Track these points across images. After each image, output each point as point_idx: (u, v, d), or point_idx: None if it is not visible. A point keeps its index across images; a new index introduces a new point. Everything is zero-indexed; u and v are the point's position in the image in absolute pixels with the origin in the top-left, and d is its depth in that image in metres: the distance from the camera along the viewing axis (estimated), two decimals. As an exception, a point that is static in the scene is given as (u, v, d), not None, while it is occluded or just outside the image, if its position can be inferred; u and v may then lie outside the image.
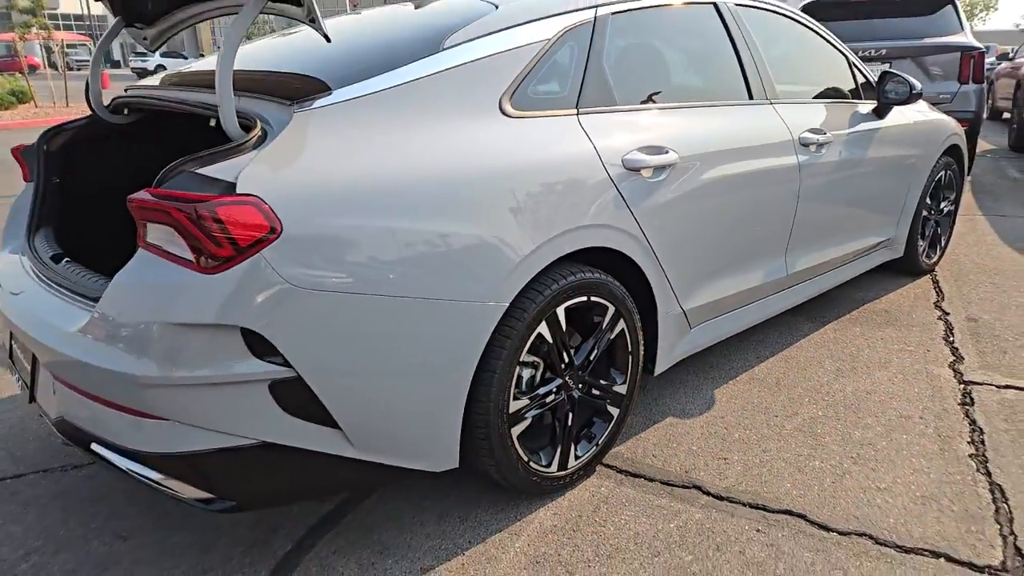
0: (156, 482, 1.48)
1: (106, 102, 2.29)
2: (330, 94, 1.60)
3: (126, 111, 2.27)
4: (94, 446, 1.56)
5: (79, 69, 35.57)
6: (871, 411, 2.44)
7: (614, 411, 2.11)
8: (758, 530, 1.85)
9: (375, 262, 1.51)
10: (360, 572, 1.74)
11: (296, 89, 1.64)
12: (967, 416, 2.39)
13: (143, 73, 35.41)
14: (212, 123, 1.79)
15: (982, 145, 8.73)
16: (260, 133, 1.51)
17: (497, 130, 1.76)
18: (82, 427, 1.56)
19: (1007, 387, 2.58)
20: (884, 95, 3.04)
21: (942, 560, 1.73)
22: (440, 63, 1.74)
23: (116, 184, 2.41)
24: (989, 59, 11.81)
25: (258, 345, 1.43)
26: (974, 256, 4.19)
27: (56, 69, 19.76)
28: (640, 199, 2.00)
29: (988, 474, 2.07)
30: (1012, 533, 1.82)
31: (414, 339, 1.58)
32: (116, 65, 51.82)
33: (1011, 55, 11.16)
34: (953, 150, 3.70)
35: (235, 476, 1.50)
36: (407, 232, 1.55)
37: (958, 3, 5.67)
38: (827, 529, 1.85)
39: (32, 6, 24.76)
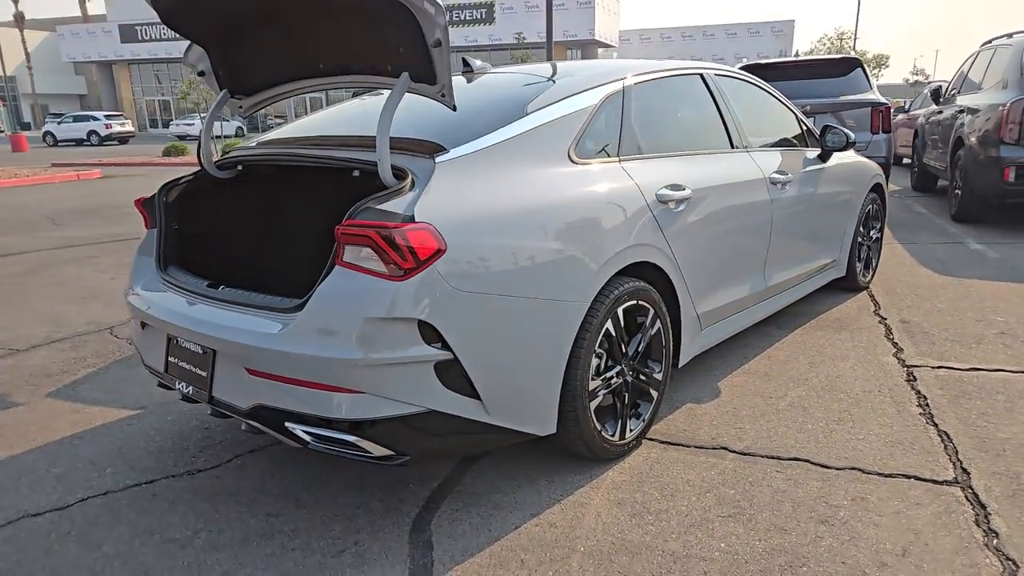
0: (351, 444, 1.95)
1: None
2: (447, 151, 2.16)
3: (239, 167, 2.76)
4: (288, 424, 2.02)
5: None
6: (842, 389, 3.11)
7: (654, 393, 2.69)
8: (777, 471, 2.45)
9: (503, 271, 2.06)
10: (483, 522, 2.23)
11: (423, 147, 2.20)
12: (913, 388, 3.09)
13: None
14: (355, 173, 2.33)
15: (889, 186, 9.98)
16: (411, 180, 2.05)
17: (569, 174, 2.37)
18: (280, 408, 2.01)
19: (939, 367, 3.31)
20: (826, 143, 3.84)
21: (913, 480, 2.36)
22: (527, 124, 2.34)
23: (222, 227, 2.88)
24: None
25: (428, 334, 1.95)
26: (899, 275, 5.05)
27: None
28: (668, 224, 2.64)
29: (935, 425, 2.74)
30: (959, 460, 2.48)
31: (531, 329, 2.14)
32: (27, 127, 50.28)
33: (906, 108, 12.76)
34: (877, 187, 4.57)
35: (410, 436, 1.99)
36: (521, 249, 2.12)
37: (866, 67, 6.78)
38: (826, 467, 2.47)
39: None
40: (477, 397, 2.06)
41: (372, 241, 1.89)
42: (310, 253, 3.07)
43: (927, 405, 2.92)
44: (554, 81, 2.59)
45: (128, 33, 43.98)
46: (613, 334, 2.44)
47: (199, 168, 2.84)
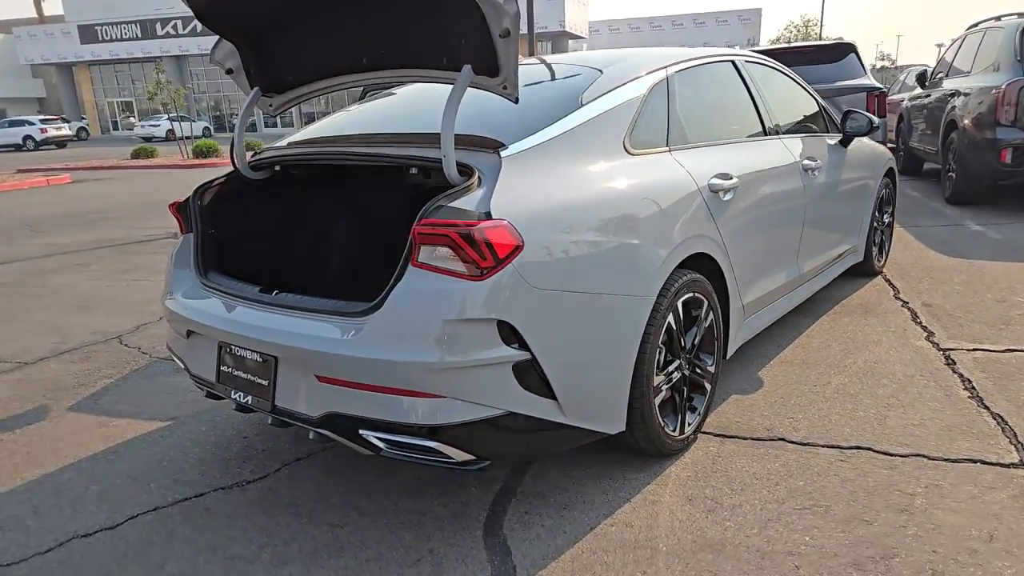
0: (432, 449, 1.89)
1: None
2: (506, 146, 2.10)
3: (277, 168, 2.67)
4: (363, 432, 1.95)
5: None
6: (883, 375, 3.11)
7: (708, 386, 2.66)
8: (841, 460, 2.44)
9: (575, 267, 2.02)
10: (556, 524, 2.18)
11: (481, 141, 2.13)
12: (954, 372, 3.11)
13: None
14: (412, 171, 2.26)
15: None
16: (478, 176, 1.99)
17: (627, 165, 2.32)
18: (355, 415, 1.94)
19: (975, 350, 3.34)
20: (847, 128, 3.84)
21: (980, 464, 2.37)
22: (585, 115, 2.29)
23: (262, 230, 2.79)
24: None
25: (506, 334, 1.89)
26: (909, 259, 5.10)
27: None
28: (719, 214, 2.61)
29: (987, 408, 2.76)
30: (1019, 443, 2.49)
31: (603, 325, 2.09)
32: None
33: (887, 92, 12.93)
34: (890, 172, 4.60)
35: (490, 440, 1.93)
36: (591, 243, 2.07)
37: (859, 51, 6.83)
38: (890, 455, 2.46)
39: None
40: (553, 397, 2.01)
41: (451, 240, 1.83)
42: (366, 254, 2.99)
43: (973, 388, 2.94)
44: (600, 71, 2.54)
45: (88, 34, 42.87)
46: (674, 327, 2.40)
47: (231, 170, 2.75)
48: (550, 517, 2.22)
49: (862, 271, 4.58)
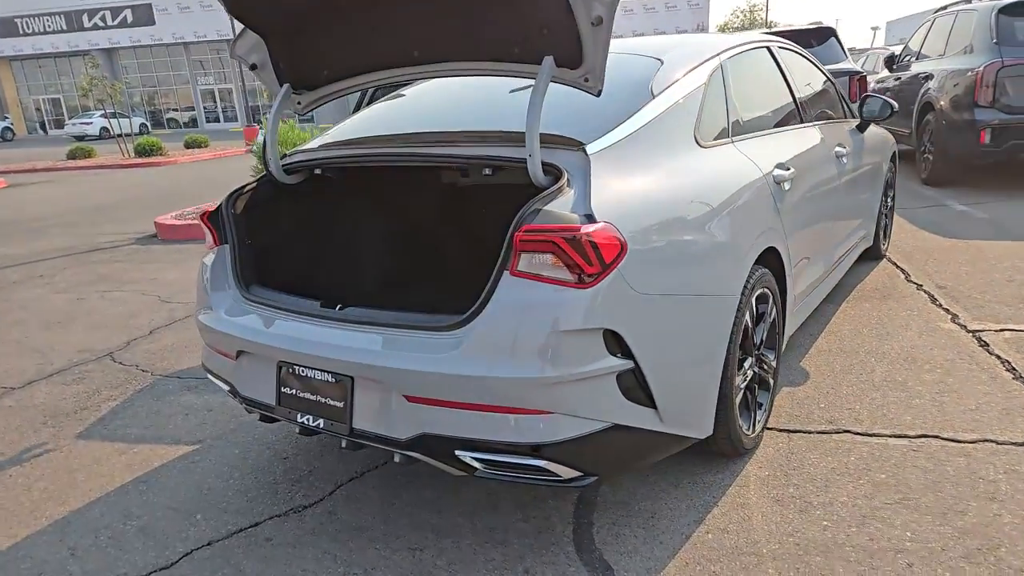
0: (538, 468, 1.80)
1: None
2: (585, 143, 2.01)
3: (318, 171, 2.52)
4: (459, 453, 1.85)
5: None
6: (924, 360, 3.15)
7: (771, 381, 2.64)
8: (913, 450, 2.44)
9: (671, 269, 1.95)
10: (649, 534, 2.12)
11: (558, 139, 2.04)
12: (990, 353, 3.17)
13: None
14: (486, 171, 2.15)
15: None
16: (567, 176, 1.90)
17: (701, 158, 2.26)
18: (451, 436, 1.84)
19: (1002, 330, 3.41)
20: (866, 113, 3.87)
21: (1048, 446, 2.41)
22: (659, 107, 2.22)
23: (298, 237, 2.63)
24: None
25: (611, 342, 1.81)
26: (906, 241, 5.20)
27: None
28: (781, 205, 2.58)
29: (1034, 389, 2.82)
30: (1077, 422, 2.55)
31: (698, 328, 2.03)
32: None
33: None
34: (894, 156, 4.66)
35: (595, 455, 1.85)
36: (684, 243, 2.01)
37: (840, 36, 6.93)
38: (958, 441, 2.48)
39: None
40: (653, 405, 1.94)
41: (557, 246, 1.73)
42: (427, 261, 2.85)
43: (1014, 368, 2.99)
44: (660, 60, 2.47)
45: (7, 27, 40.67)
46: (748, 325, 2.36)
47: (262, 174, 2.59)
48: (640, 527, 2.15)
49: (869, 255, 4.65)
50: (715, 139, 2.41)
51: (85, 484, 2.65)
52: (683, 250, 1.99)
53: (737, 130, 2.57)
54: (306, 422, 2.08)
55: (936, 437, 2.52)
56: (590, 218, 1.79)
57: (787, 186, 2.63)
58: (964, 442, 2.48)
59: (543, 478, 1.85)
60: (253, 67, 2.53)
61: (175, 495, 2.53)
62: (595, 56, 1.92)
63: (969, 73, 6.41)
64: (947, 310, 3.74)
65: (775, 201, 2.51)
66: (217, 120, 37.98)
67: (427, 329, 1.88)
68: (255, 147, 8.74)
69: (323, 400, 2.04)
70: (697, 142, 2.30)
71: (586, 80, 2.00)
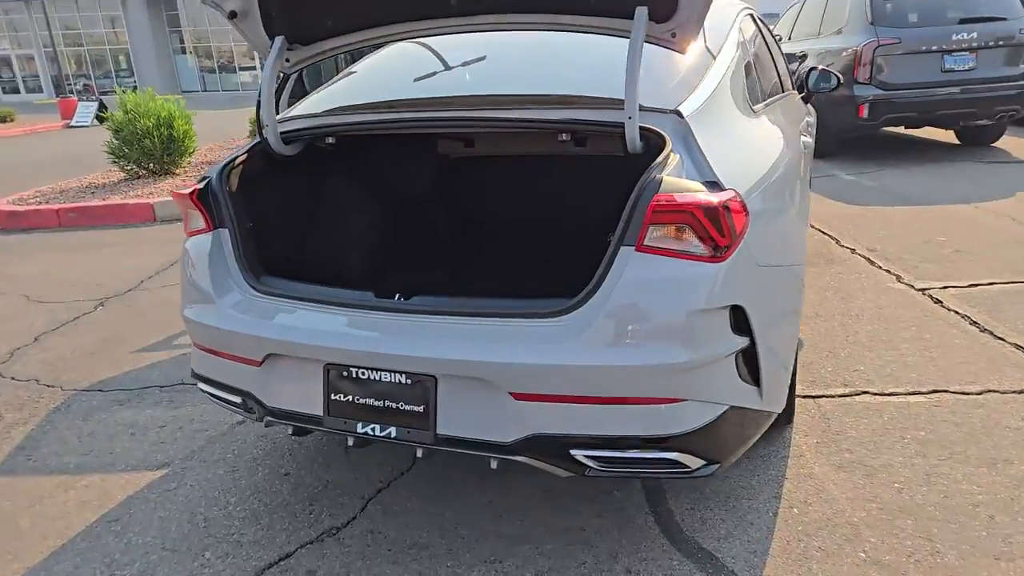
0: (664, 461, 1.66)
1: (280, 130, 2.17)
2: (679, 105, 1.87)
3: (330, 140, 2.18)
4: (575, 452, 1.66)
5: None
6: (894, 319, 3.34)
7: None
8: (935, 405, 2.57)
9: (774, 238, 1.87)
10: (733, 516, 2.05)
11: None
12: (948, 309, 3.42)
13: None
14: (563, 137, 1.95)
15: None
16: (670, 142, 1.75)
17: (757, 123, 2.20)
18: (567, 434, 1.64)
19: (946, 287, 3.71)
20: (813, 86, 4.02)
21: (1045, 391, 2.63)
22: (722, 68, 2.12)
23: (303, 216, 2.28)
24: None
25: (735, 320, 1.70)
26: (819, 210, 5.54)
27: None
28: (804, 170, 2.59)
29: (1001, 339, 3.06)
30: (1055, 367, 2.80)
31: (790, 298, 1.98)
32: None
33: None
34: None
35: (717, 440, 1.73)
36: (778, 210, 1.94)
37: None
38: (967, 394, 2.64)
39: None
40: (758, 384, 1.85)
41: (694, 218, 1.58)
42: (497, 240, 2.54)
43: (976, 323, 3.25)
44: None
45: None
46: (795, 292, 2.35)
47: (252, 143, 2.21)
48: (722, 509, 2.08)
49: (797, 222, 4.90)
50: (754, 105, 2.36)
51: (34, 532, 2.16)
52: (777, 217, 1.92)
53: (764, 95, 2.54)
54: (370, 432, 1.79)
55: (946, 391, 2.67)
56: (716, 185, 1.65)
57: (807, 152, 2.65)
58: (973, 394, 2.64)
59: (668, 471, 1.71)
60: (232, 15, 2.14)
61: (164, 532, 2.12)
62: (691, 8, 1.77)
63: (847, 52, 6.93)
64: (888, 271, 4.01)
65: (805, 165, 2.51)
66: (17, 91, 33.31)
67: (531, 316, 1.66)
68: (109, 122, 7.67)
69: (394, 406, 1.76)
70: (750, 106, 2.23)
71: (673, 36, 1.85)
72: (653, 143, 1.77)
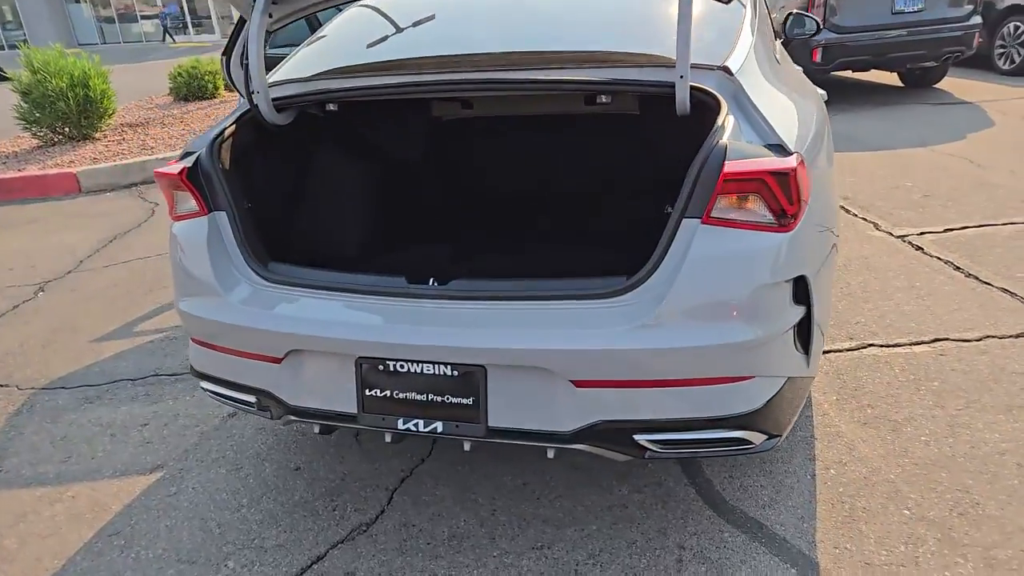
0: (736, 439, 1.62)
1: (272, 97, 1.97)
2: (724, 61, 1.78)
3: (332, 106, 2.00)
4: (638, 437, 1.60)
5: None
6: (881, 268, 3.40)
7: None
8: (940, 354, 2.63)
9: (824, 199, 1.82)
10: (771, 480, 2.05)
11: (666, 60, 1.78)
12: (930, 256, 3.51)
13: None
14: (603, 99, 1.83)
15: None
16: (724, 103, 1.66)
17: (785, 75, 2.13)
18: (631, 419, 1.58)
19: (923, 234, 3.79)
20: (788, 32, 3.97)
21: (1039, 335, 2.72)
22: (753, 21, 2.03)
23: (299, 193, 2.10)
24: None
25: (796, 290, 1.65)
26: (780, 156, 5.59)
27: None
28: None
29: (988, 284, 3.16)
30: (1043, 309, 2.91)
31: (831, 263, 1.94)
32: None
33: None
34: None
35: (778, 414, 1.70)
36: (823, 172, 1.88)
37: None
38: (967, 340, 2.71)
39: None
40: (807, 352, 1.82)
41: (765, 186, 1.51)
42: (531, 214, 2.39)
43: (959, 268, 3.34)
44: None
45: None
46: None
47: (238, 111, 2.01)
48: (759, 476, 2.08)
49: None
50: (776, 53, 2.29)
51: (25, 554, 1.98)
52: (824, 175, 1.87)
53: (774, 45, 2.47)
54: (412, 429, 1.68)
55: (946, 340, 2.73)
56: (782, 149, 1.58)
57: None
58: (972, 340, 2.71)
59: (733, 449, 1.67)
60: None
61: (175, 543, 1.98)
62: None
63: (799, -6, 6.93)
64: (865, 219, 4.08)
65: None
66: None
67: (587, 297, 1.57)
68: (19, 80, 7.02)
69: (439, 399, 1.66)
70: (775, 58, 2.16)
71: None
72: (701, 103, 1.68)
